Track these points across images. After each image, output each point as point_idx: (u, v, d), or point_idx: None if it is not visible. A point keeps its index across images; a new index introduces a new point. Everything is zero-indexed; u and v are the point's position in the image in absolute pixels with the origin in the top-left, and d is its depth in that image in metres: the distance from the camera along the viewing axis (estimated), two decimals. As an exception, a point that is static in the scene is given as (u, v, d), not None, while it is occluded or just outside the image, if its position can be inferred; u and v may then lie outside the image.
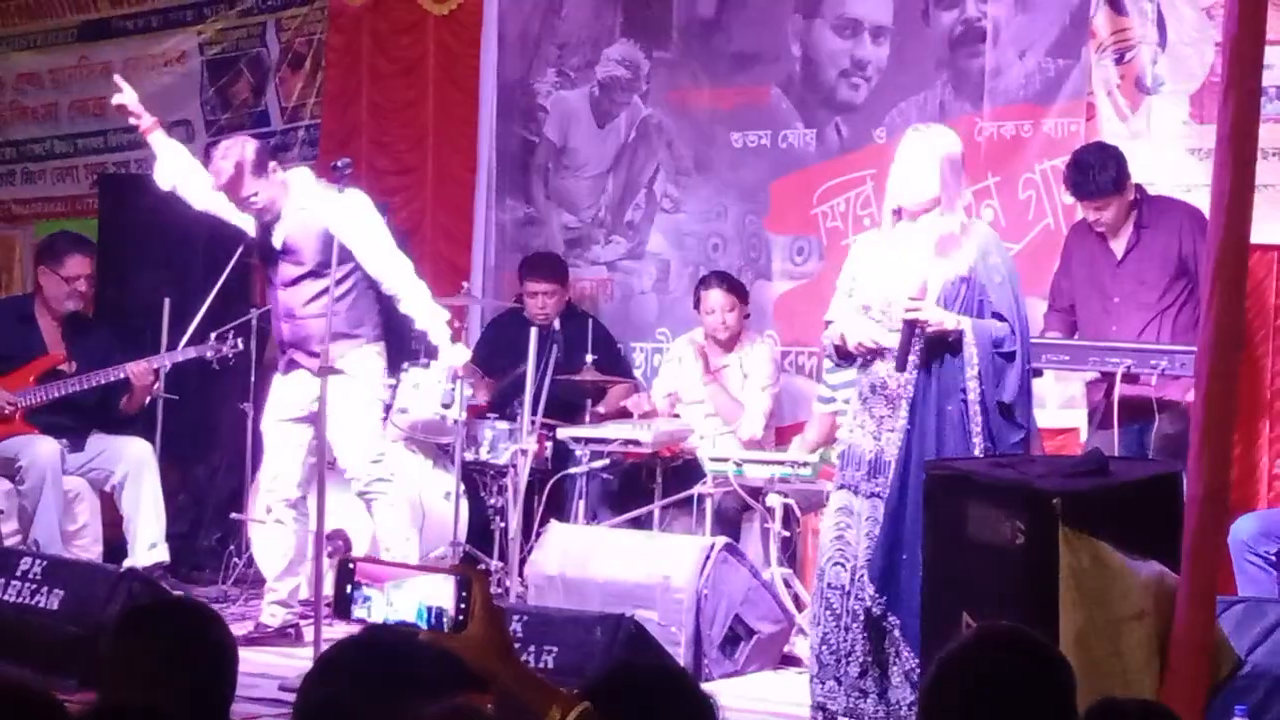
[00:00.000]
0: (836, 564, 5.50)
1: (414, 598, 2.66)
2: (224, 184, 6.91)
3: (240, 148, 6.96)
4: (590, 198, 9.33)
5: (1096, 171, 7.02)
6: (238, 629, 7.08)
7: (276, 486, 7.10)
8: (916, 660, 5.25)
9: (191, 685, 2.95)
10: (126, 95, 7.29)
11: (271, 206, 6.95)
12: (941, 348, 5.48)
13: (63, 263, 8.11)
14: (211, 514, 8.91)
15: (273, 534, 7.22)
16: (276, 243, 6.98)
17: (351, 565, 2.70)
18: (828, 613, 5.48)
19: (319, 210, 6.86)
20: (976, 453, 5.36)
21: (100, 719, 2.71)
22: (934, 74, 8.27)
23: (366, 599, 2.68)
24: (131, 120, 7.40)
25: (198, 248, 9.00)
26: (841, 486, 5.68)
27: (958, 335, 5.44)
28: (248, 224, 7.16)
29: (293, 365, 7.02)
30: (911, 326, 5.47)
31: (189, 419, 8.67)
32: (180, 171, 7.25)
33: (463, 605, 2.63)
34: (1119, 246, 7.14)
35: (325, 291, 6.81)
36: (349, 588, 2.69)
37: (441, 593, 2.65)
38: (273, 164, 6.99)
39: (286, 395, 7.06)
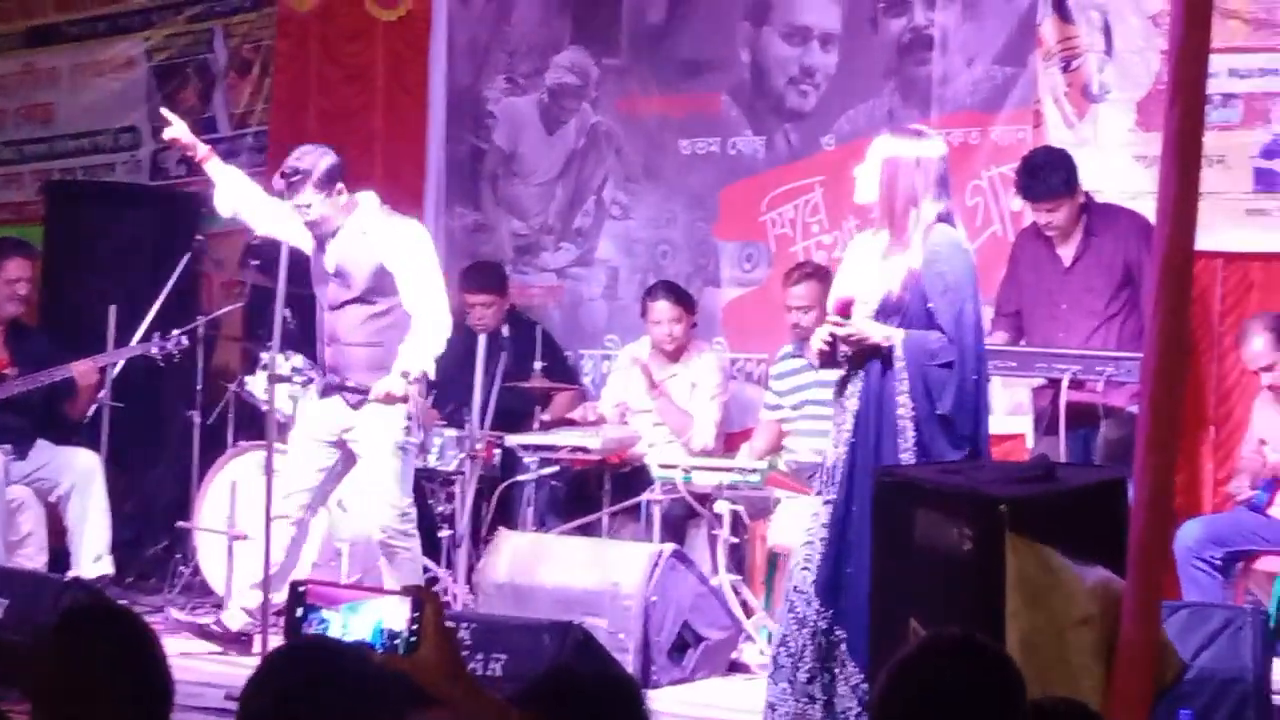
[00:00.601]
0: (804, 569, 5.50)
1: (369, 619, 2.64)
2: (284, 184, 6.83)
3: (315, 157, 6.88)
4: (539, 205, 9.31)
5: (1047, 173, 7.07)
6: (188, 640, 7.07)
7: (286, 503, 6.97)
8: (861, 675, 5.25)
9: (132, 691, 2.92)
10: (177, 128, 7.10)
11: (325, 224, 6.86)
12: (880, 360, 5.46)
13: (2, 266, 8.06)
14: (158, 523, 8.86)
15: (278, 537, 7.11)
16: (329, 264, 6.89)
17: (303, 589, 2.68)
18: (790, 615, 5.48)
19: (375, 237, 6.81)
20: (910, 430, 5.34)
21: None
22: (882, 82, 8.30)
23: (323, 621, 2.65)
24: (186, 152, 7.29)
25: (145, 256, 8.97)
26: (817, 492, 5.69)
27: (889, 349, 5.43)
28: (307, 244, 7.03)
29: (330, 390, 6.94)
30: (835, 340, 5.49)
31: (135, 427, 8.62)
32: (239, 196, 7.12)
33: (414, 627, 2.61)
34: (1067, 253, 7.19)
35: (370, 319, 6.82)
36: (300, 610, 2.66)
37: (396, 614, 2.64)
38: (340, 185, 6.86)
39: (318, 416, 6.99)
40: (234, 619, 7.07)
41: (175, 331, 8.01)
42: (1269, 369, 6.84)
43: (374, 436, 6.85)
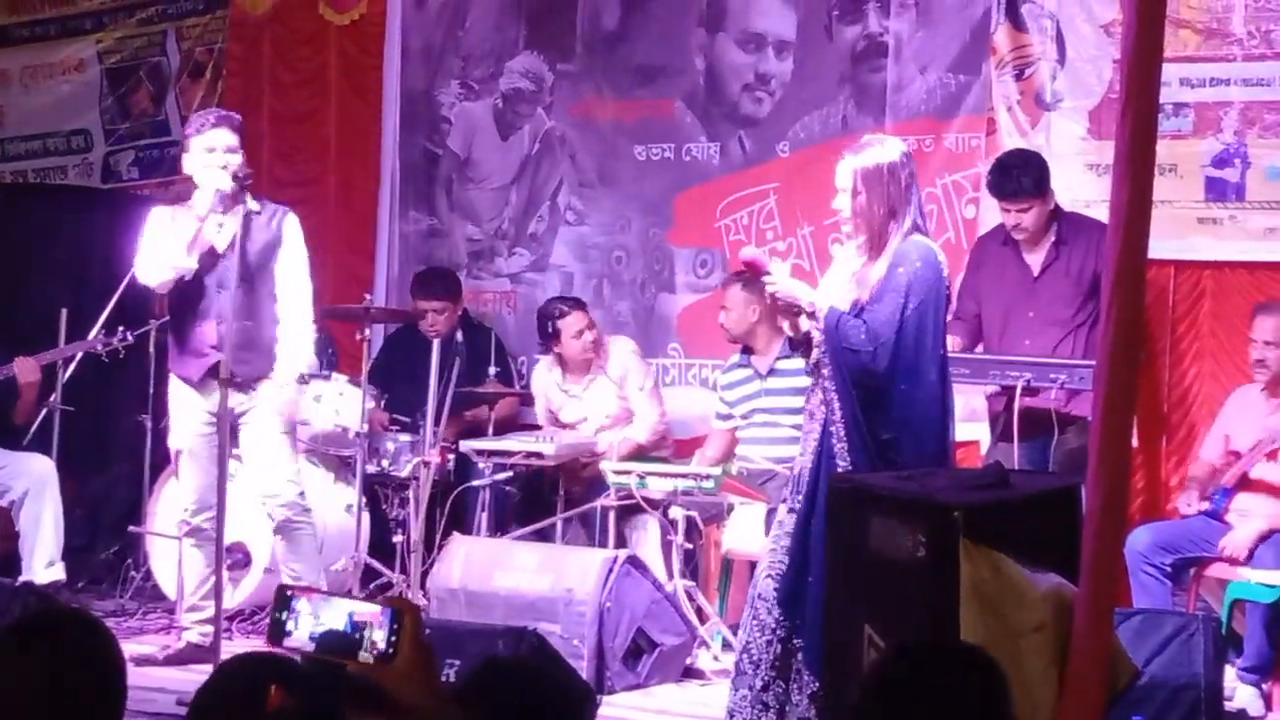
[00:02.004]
0: (769, 576, 5.46)
1: (342, 610, 2.65)
2: (215, 120, 6.88)
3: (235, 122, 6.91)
4: (494, 210, 9.31)
5: (1019, 173, 7.11)
6: (140, 644, 7.02)
7: (195, 504, 6.92)
8: (817, 683, 5.24)
9: (92, 696, 2.90)
10: None
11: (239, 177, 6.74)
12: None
13: None
14: (109, 527, 8.81)
15: (190, 556, 7.04)
16: (223, 239, 6.80)
17: (290, 593, 2.68)
18: (754, 622, 5.44)
19: (265, 219, 6.83)
20: (841, 436, 5.29)
21: None
22: (837, 89, 8.32)
23: (294, 611, 2.66)
24: None
25: (96, 259, 8.90)
26: (783, 500, 5.65)
27: (812, 311, 5.34)
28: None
29: (213, 374, 6.72)
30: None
31: (86, 431, 8.57)
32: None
33: (393, 637, 2.62)
34: (1035, 261, 7.21)
35: (249, 298, 6.77)
36: (284, 614, 2.67)
37: (371, 616, 2.65)
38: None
39: (194, 409, 6.91)
40: (202, 635, 6.92)
41: (120, 328, 7.95)
42: (1272, 345, 6.81)
43: (268, 419, 6.85)
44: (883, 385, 5.26)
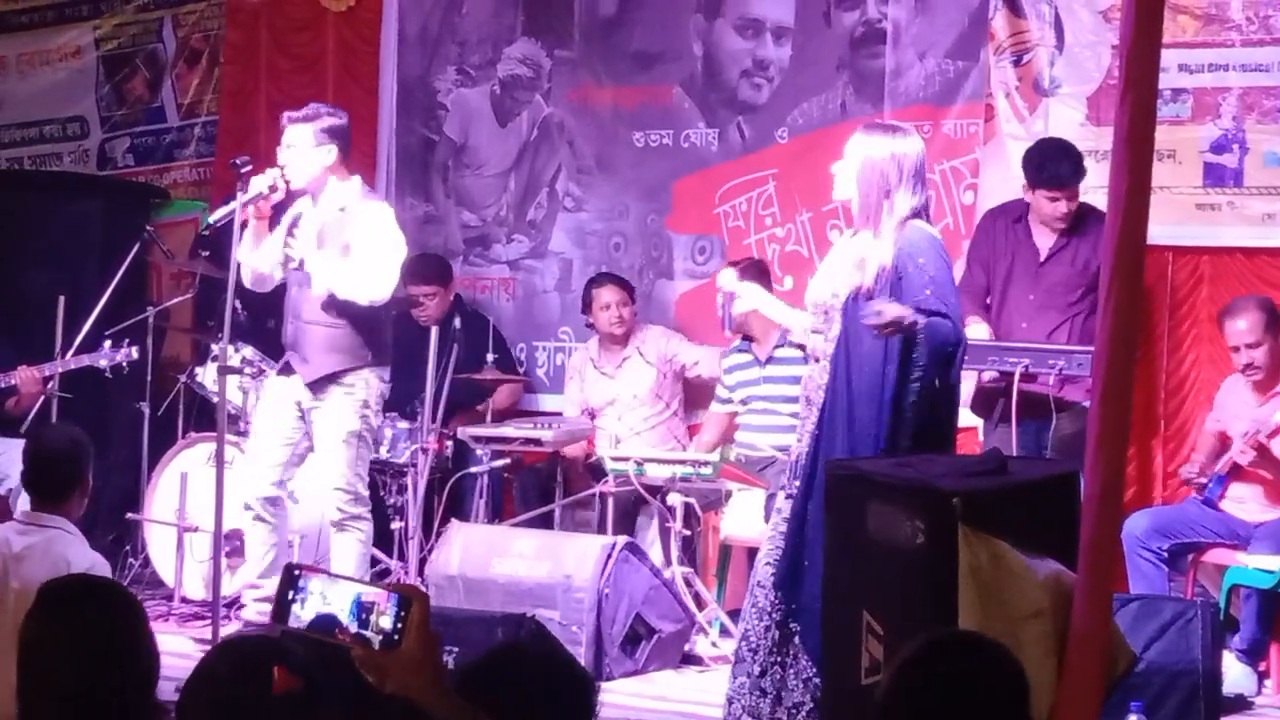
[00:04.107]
0: (767, 563, 5.48)
1: (349, 593, 2.66)
2: (289, 118, 6.89)
3: (330, 109, 6.99)
4: (492, 196, 9.29)
5: (1070, 160, 7.09)
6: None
7: (255, 484, 6.97)
8: (814, 669, 5.25)
9: (122, 664, 2.93)
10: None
11: (298, 175, 6.80)
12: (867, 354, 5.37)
13: None
14: (107, 514, 8.80)
15: (253, 532, 7.07)
16: (303, 236, 6.88)
17: (298, 572, 2.69)
18: (753, 609, 5.46)
19: (349, 217, 6.83)
20: (837, 423, 5.31)
21: None
22: (835, 75, 8.31)
23: (303, 589, 2.67)
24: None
25: (93, 246, 8.89)
26: (781, 486, 5.66)
27: (911, 327, 5.27)
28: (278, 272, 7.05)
29: (288, 368, 6.96)
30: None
31: (84, 417, 8.53)
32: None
33: (399, 624, 2.63)
34: (1044, 245, 7.21)
35: (332, 299, 6.79)
36: (291, 593, 2.67)
37: (379, 599, 2.65)
38: (332, 148, 6.82)
39: (279, 393, 6.97)
40: (260, 614, 6.86)
41: (125, 341, 7.93)
42: (1254, 346, 6.82)
43: (328, 422, 6.84)
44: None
